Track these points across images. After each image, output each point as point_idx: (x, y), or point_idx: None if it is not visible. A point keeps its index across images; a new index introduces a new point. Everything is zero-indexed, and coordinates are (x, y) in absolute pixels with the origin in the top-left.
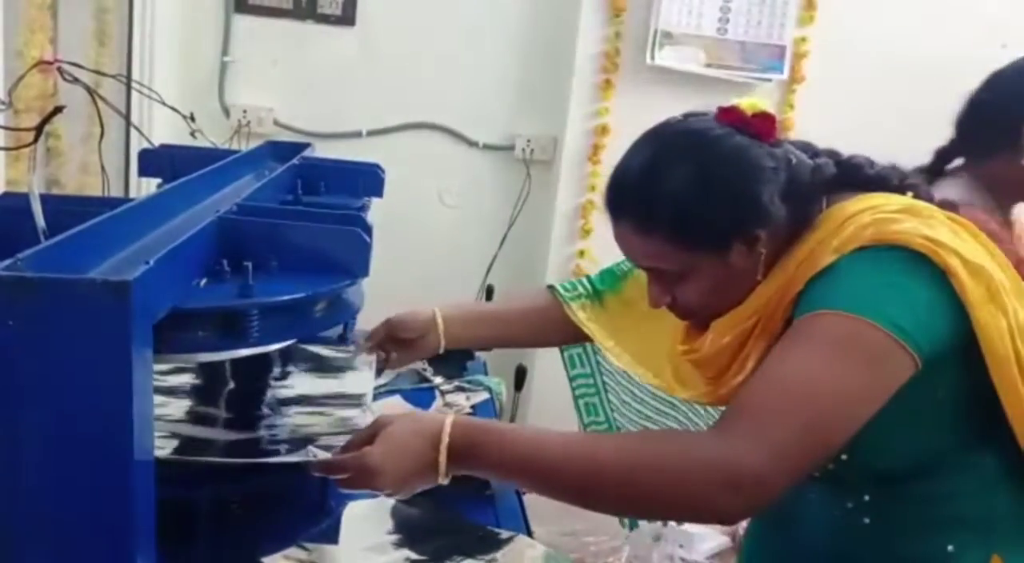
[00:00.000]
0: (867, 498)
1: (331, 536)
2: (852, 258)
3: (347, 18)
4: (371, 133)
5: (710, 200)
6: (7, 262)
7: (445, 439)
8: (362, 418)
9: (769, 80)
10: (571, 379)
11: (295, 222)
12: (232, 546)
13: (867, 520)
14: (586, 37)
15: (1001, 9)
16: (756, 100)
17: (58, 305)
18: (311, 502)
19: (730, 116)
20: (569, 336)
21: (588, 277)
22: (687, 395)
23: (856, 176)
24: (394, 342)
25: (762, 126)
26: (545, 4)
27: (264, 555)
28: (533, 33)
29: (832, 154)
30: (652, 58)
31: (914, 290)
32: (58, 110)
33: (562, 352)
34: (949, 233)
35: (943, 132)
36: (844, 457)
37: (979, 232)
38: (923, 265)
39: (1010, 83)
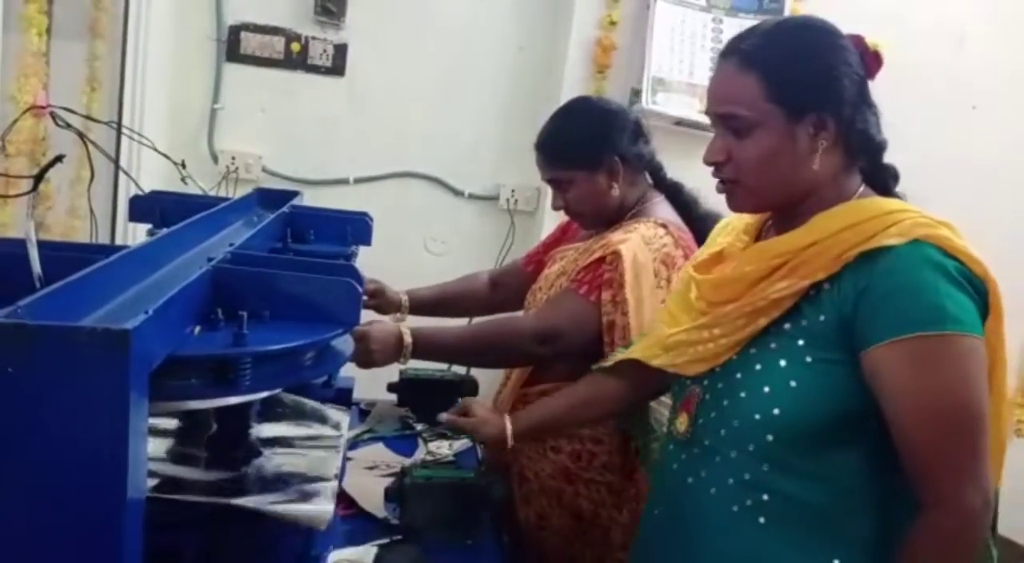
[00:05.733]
0: (765, 497)
1: None
2: (920, 262)
3: (337, 68)
4: (358, 181)
5: (807, 61)
6: (7, 310)
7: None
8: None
9: None
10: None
11: (287, 272)
12: None
13: (762, 520)
14: (571, 91)
15: (974, 71)
16: (880, 41)
17: (58, 353)
18: (294, 552)
19: (854, 39)
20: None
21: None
22: (663, 360)
23: (891, 183)
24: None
25: (872, 61)
26: (531, 59)
27: None
28: (519, 86)
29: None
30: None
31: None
32: (58, 159)
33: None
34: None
35: (920, 182)
36: (736, 424)
37: None
38: (972, 277)
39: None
